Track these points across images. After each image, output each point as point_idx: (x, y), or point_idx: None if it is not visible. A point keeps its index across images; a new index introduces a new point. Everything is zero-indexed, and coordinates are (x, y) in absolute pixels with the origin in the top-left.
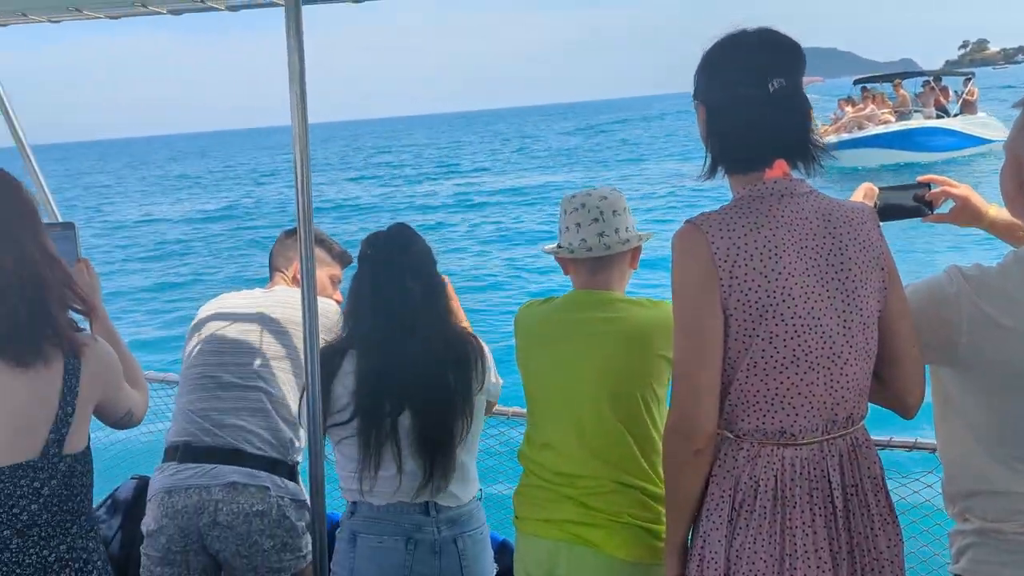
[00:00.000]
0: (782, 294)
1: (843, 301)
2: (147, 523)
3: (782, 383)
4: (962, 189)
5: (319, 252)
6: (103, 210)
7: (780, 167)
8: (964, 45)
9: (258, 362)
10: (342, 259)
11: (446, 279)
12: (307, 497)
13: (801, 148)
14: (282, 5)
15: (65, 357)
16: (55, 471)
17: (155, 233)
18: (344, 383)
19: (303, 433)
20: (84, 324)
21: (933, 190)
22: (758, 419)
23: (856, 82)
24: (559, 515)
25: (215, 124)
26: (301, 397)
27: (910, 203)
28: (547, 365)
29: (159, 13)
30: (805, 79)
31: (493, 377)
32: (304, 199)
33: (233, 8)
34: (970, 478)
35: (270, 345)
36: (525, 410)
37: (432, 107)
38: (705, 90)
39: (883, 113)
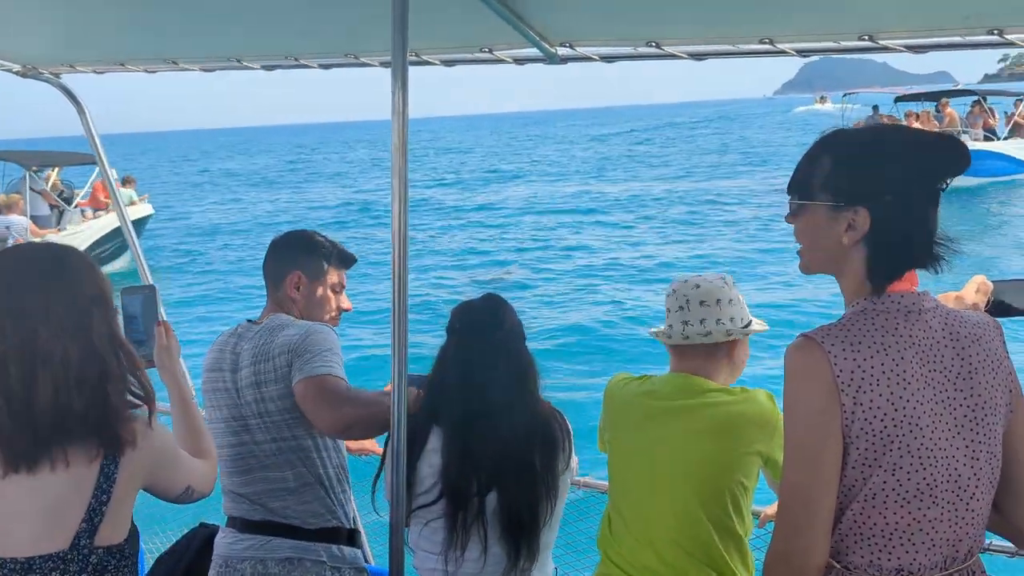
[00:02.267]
0: (909, 424)
1: (971, 429)
2: None
3: (903, 518)
4: None
5: (312, 263)
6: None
7: (909, 278)
8: (1004, 58)
9: (285, 434)
10: (343, 261)
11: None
12: (368, 561)
13: (932, 249)
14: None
15: (107, 449)
16: (85, 563)
17: None
18: (430, 462)
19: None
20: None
21: None
22: (873, 554)
23: (898, 99)
24: None
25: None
26: (378, 471)
27: None
28: (635, 449)
29: (252, 68)
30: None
31: (575, 456)
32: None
33: (325, 67)
34: None
35: (284, 401)
36: (590, 479)
37: None
38: (865, 192)
39: None
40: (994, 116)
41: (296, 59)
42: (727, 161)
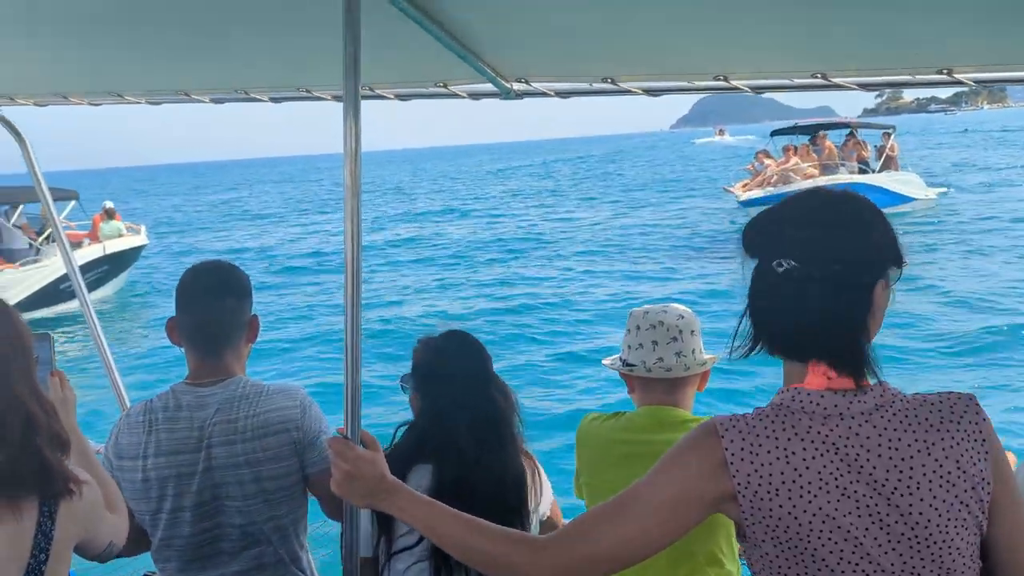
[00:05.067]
0: (820, 536)
1: (911, 546)
2: None
3: None
4: None
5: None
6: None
7: (820, 371)
8: (881, 94)
9: (265, 514)
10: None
11: None
12: None
13: (844, 350)
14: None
15: (41, 501)
16: None
17: None
18: None
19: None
20: None
21: None
22: None
23: (774, 133)
24: None
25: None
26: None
27: None
28: (619, 487)
29: (201, 101)
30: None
31: (549, 495)
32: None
33: (276, 100)
34: None
35: (279, 481)
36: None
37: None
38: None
39: (807, 167)
40: (866, 149)
41: (246, 92)
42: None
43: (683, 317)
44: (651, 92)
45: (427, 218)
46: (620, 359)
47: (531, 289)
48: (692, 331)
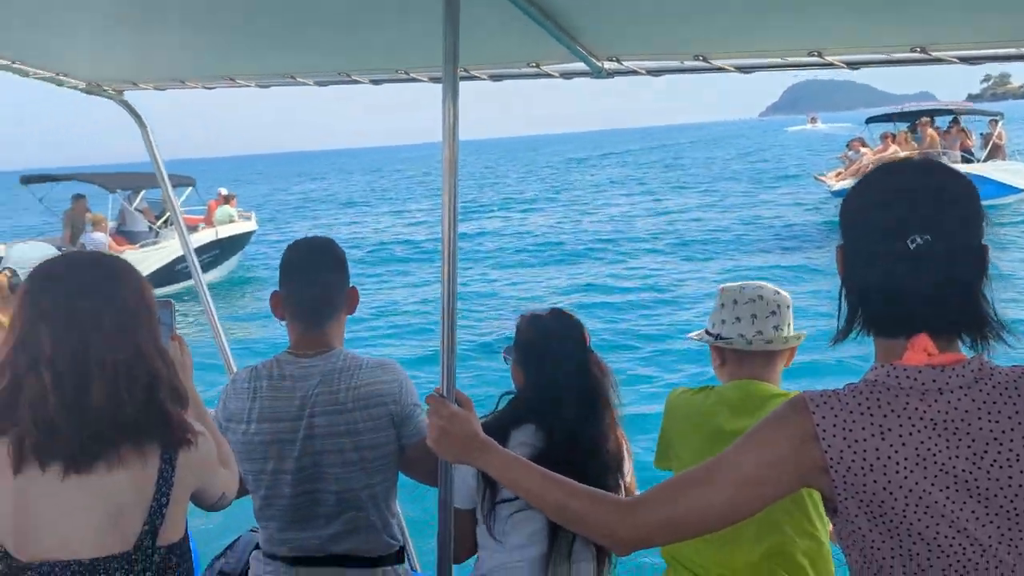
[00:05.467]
0: (917, 512)
1: (1012, 519)
2: None
3: None
4: None
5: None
6: None
7: (920, 346)
8: (987, 79)
9: (361, 482)
10: None
11: None
12: (415, 568)
13: (967, 317)
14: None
15: (163, 449)
16: (149, 563)
17: None
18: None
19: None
20: None
21: None
22: None
23: (869, 120)
24: None
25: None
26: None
27: None
28: (706, 457)
29: (306, 84)
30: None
31: (631, 467)
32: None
33: (376, 82)
34: None
35: (374, 451)
36: None
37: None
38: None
39: (906, 156)
40: (971, 137)
41: (348, 75)
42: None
43: (779, 293)
44: (743, 69)
45: (514, 206)
46: (710, 333)
47: (616, 282)
48: (788, 306)
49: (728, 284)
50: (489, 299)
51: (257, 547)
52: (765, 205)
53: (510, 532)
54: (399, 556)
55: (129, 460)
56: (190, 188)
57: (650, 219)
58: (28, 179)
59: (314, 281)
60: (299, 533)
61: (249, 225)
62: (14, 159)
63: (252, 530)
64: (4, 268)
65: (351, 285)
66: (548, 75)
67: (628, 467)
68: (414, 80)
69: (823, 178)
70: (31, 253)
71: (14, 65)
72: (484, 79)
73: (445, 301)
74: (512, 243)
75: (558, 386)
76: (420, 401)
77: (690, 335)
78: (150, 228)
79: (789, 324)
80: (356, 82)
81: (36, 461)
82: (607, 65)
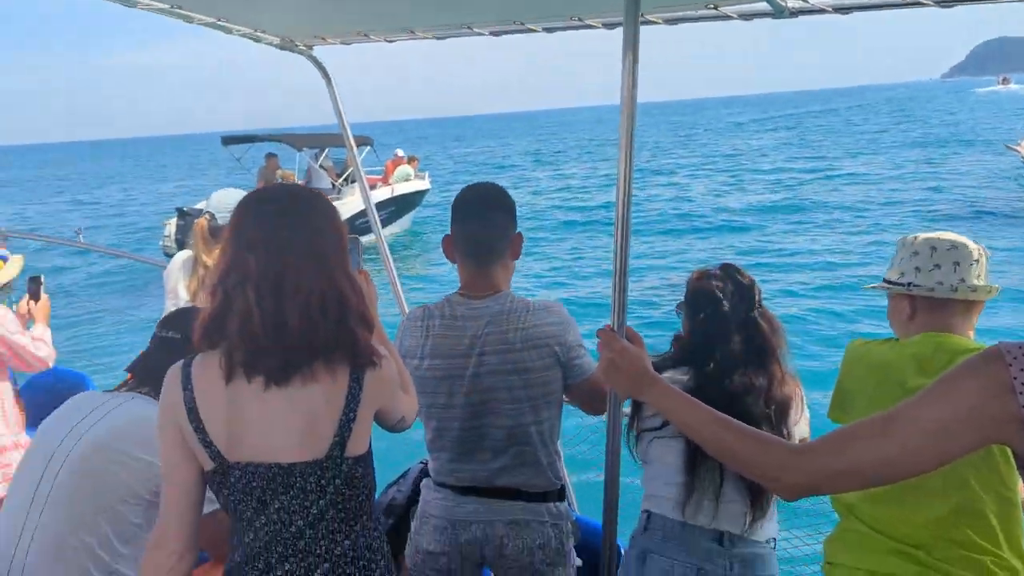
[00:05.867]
0: None
1: None
2: (426, 542)
3: None
4: None
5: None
6: None
7: None
8: None
9: (528, 418)
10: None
11: None
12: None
13: None
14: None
15: (353, 369)
16: (338, 471)
17: None
18: None
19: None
20: None
21: None
22: None
23: None
24: (885, 568)
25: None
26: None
27: None
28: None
29: (481, 34)
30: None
31: (807, 420)
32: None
33: (549, 30)
34: None
35: (540, 388)
36: None
37: None
38: None
39: None
40: None
41: (522, 23)
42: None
43: (977, 242)
44: (943, 3)
45: (680, 171)
46: (896, 283)
47: (789, 258)
48: (987, 256)
49: (920, 234)
50: (657, 260)
51: (427, 475)
52: (954, 174)
53: (653, 461)
54: (560, 494)
55: (321, 376)
56: (368, 147)
57: (822, 184)
58: (228, 140)
59: (484, 223)
60: (467, 464)
61: (423, 184)
62: (213, 123)
63: (422, 462)
64: (205, 212)
65: (517, 231)
66: (727, 17)
67: (799, 419)
68: (588, 27)
69: (1017, 148)
70: (229, 199)
71: (219, 23)
72: (659, 23)
73: (619, 235)
74: (678, 208)
75: (721, 337)
76: (584, 342)
77: (870, 286)
78: (333, 185)
79: (982, 276)
80: (530, 30)
81: (243, 372)
82: (791, 4)
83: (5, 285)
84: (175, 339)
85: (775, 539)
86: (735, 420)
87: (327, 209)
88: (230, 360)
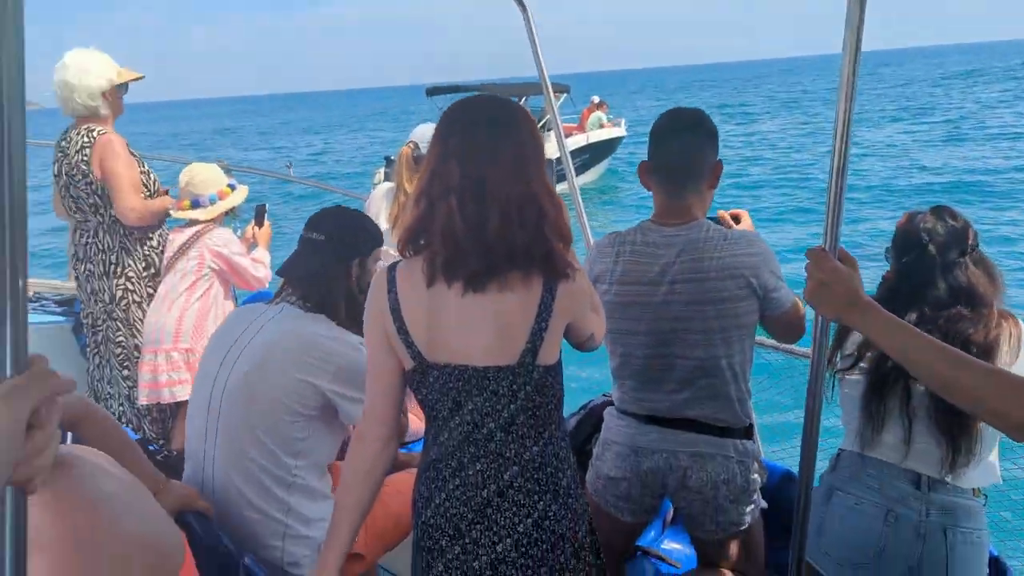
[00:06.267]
0: None
1: None
2: (608, 467)
3: None
4: None
5: None
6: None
7: None
8: None
9: (719, 351)
10: None
11: None
12: (762, 453)
13: None
14: None
15: (546, 279)
16: (529, 378)
17: None
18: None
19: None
20: None
21: None
22: None
23: None
24: None
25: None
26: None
27: None
28: None
29: None
30: None
31: None
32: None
33: None
34: None
35: (733, 319)
36: None
37: None
38: None
39: None
40: None
41: None
42: None
43: None
44: None
45: (892, 126)
46: None
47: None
48: None
49: None
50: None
51: (611, 404)
52: None
53: (844, 399)
54: (748, 432)
55: (516, 285)
56: (565, 95)
57: None
58: (433, 90)
59: (681, 148)
60: (652, 394)
61: (618, 131)
62: (382, 79)
63: (604, 395)
64: (409, 141)
65: (717, 159)
66: None
67: (1014, 361)
68: None
69: None
70: (430, 131)
71: None
72: None
73: (835, 159)
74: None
75: (925, 281)
76: (783, 274)
77: None
78: None
79: None
80: None
81: (443, 277)
82: None
83: (232, 210)
84: (319, 240)
85: (986, 492)
86: (959, 351)
87: (529, 122)
88: (432, 265)
